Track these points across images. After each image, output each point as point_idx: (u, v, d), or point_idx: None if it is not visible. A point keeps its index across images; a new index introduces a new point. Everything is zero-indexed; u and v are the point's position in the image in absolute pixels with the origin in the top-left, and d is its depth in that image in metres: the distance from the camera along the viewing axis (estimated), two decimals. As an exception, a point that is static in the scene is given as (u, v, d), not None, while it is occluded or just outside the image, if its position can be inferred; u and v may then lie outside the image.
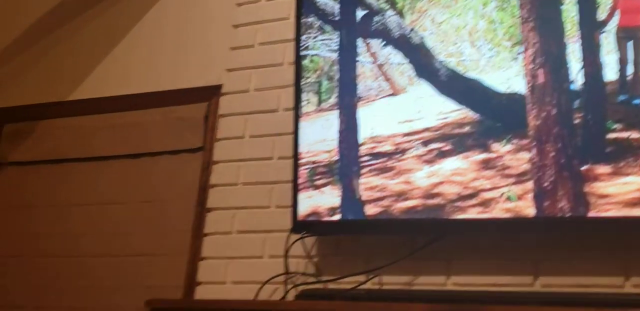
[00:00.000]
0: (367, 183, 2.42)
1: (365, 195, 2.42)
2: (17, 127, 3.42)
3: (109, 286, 2.98)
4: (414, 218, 2.33)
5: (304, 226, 2.52)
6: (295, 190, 2.53)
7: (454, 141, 2.33)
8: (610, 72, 2.19)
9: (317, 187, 2.50)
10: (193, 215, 2.88)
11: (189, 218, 2.89)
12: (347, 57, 2.55)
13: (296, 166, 2.54)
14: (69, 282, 3.06)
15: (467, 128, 2.33)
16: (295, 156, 2.56)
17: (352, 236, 2.53)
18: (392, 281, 2.44)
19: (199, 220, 2.84)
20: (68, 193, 3.22)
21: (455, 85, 2.39)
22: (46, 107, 3.38)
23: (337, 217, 2.45)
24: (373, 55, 2.52)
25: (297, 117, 2.60)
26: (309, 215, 2.49)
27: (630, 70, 2.17)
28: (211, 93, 3.03)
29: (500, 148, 2.26)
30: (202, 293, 2.71)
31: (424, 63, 2.44)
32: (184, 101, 3.10)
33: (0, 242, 3.28)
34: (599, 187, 2.11)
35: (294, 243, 2.59)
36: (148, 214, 3.02)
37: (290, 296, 2.53)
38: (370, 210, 2.40)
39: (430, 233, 2.36)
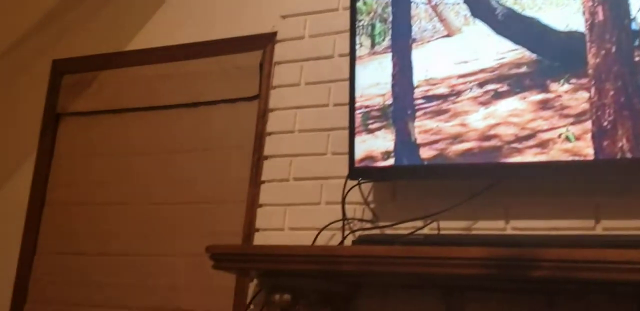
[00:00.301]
0: (422, 126, 2.39)
1: (420, 138, 2.39)
2: (76, 77, 3.44)
3: (172, 233, 3.02)
4: (471, 162, 2.30)
5: (360, 172, 2.50)
6: (352, 136, 2.50)
7: (511, 82, 2.28)
8: (673, 8, 2.11)
9: (370, 131, 2.47)
10: (250, 163, 2.88)
11: (246, 165, 2.90)
12: (401, -2, 2.51)
13: (352, 112, 2.52)
14: (132, 229, 3.12)
15: (524, 68, 2.27)
16: (352, 102, 2.53)
17: (409, 182, 2.51)
18: (450, 227, 2.42)
19: (256, 168, 2.85)
20: (128, 143, 3.25)
21: (512, 25, 2.32)
22: (104, 58, 3.40)
23: (391, 161, 2.43)
24: (427, -5, 2.47)
25: (352, 63, 2.56)
26: (362, 159, 2.48)
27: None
28: (266, 41, 3.01)
29: (559, 87, 2.21)
30: (260, 239, 2.73)
31: (479, 2, 2.38)
32: (239, 49, 3.09)
33: (64, 191, 3.34)
34: (661, 125, 2.06)
35: (350, 189, 2.58)
36: (207, 162, 3.04)
37: (348, 242, 2.52)
38: (426, 153, 2.37)
39: (488, 177, 2.33)
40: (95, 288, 3.11)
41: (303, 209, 2.68)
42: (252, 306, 2.65)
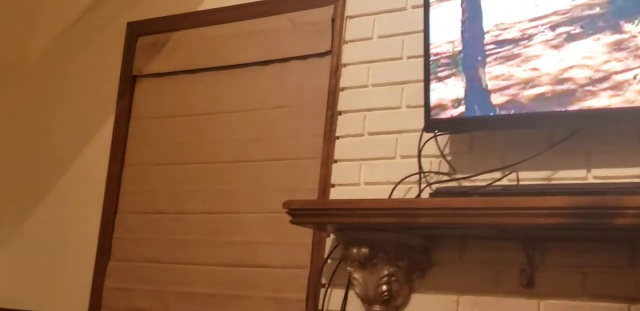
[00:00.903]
0: (493, 72, 2.33)
1: (491, 84, 2.34)
2: (150, 39, 3.47)
3: (248, 190, 3.04)
4: (549, 110, 2.24)
5: (436, 124, 2.47)
6: (427, 88, 2.46)
7: (584, 23, 2.20)
8: None
9: (440, 79, 2.42)
10: (324, 119, 2.87)
11: (320, 121, 2.89)
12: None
13: (427, 63, 2.47)
14: (209, 187, 3.14)
15: (597, 10, 2.19)
16: (427, 52, 2.47)
17: (486, 132, 2.46)
18: (529, 177, 2.37)
19: (330, 124, 2.84)
20: (204, 102, 3.27)
21: (584, -36, 2.25)
22: (177, 18, 3.42)
23: (461, 109, 2.39)
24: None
25: (427, 10, 2.50)
26: (433, 108, 2.44)
27: None
28: (337, -5, 2.98)
29: (633, 28, 2.12)
30: (336, 194, 2.72)
31: (549, -58, 2.30)
32: (311, 5, 3.06)
33: (143, 152, 3.39)
34: None
35: (426, 142, 2.54)
36: (281, 119, 3.04)
37: (425, 195, 2.50)
38: (497, 99, 2.32)
39: (566, 125, 2.27)
40: (176, 246, 3.16)
41: (378, 164, 2.66)
42: (329, 261, 2.66)
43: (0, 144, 3.75)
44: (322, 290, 2.66)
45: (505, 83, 2.31)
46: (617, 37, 2.15)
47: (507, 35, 2.32)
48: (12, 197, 3.74)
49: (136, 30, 3.52)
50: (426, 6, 2.50)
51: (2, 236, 3.71)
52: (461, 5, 2.41)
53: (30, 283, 3.60)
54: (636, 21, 2.12)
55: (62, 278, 3.50)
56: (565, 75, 2.21)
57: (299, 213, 2.50)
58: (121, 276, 3.29)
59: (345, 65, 2.83)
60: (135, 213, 3.33)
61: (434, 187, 2.49)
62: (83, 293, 3.38)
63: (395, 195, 2.55)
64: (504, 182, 2.37)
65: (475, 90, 2.36)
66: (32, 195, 3.70)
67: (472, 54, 2.37)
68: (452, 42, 2.41)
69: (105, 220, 3.39)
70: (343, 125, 2.78)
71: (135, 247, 3.28)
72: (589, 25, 2.19)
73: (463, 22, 2.40)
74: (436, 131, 2.51)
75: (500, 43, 2.33)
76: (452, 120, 2.42)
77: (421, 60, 2.51)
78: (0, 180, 3.74)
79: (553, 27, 2.25)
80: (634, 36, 2.12)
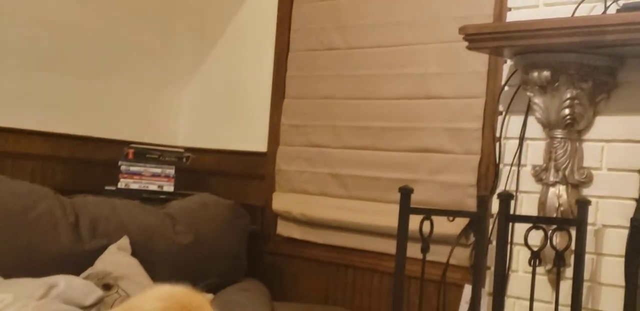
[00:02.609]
0: None
1: None
2: None
3: (418, 21, 2.96)
4: None
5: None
6: None
7: None
8: None
9: None
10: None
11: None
12: None
13: None
14: (378, 20, 3.09)
15: None
16: None
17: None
18: None
19: (505, -54, 2.69)
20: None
21: None
22: None
23: None
24: None
25: None
26: None
27: None
28: None
29: None
30: (513, 19, 2.57)
31: None
32: None
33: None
34: None
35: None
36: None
37: (611, 12, 2.33)
38: None
39: None
40: (348, 81, 3.15)
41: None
42: (507, 88, 2.56)
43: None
44: (500, 118, 2.58)
45: None
46: None
47: None
48: (189, 38, 3.79)
49: None
50: None
51: (182, 77, 3.80)
52: None
53: (211, 122, 3.73)
54: None
55: (241, 117, 3.60)
56: None
57: (476, 38, 2.41)
58: (296, 113, 3.34)
59: None
60: (307, 50, 3.32)
61: (621, 3, 2.32)
62: (261, 130, 3.47)
63: (578, 15, 2.40)
64: None
65: None
66: (208, 35, 3.76)
67: None
68: None
69: (278, 58, 3.42)
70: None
71: (308, 84, 3.30)
72: None
73: None
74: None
75: None
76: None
77: None
78: (175, 20, 3.75)
79: None
80: None
